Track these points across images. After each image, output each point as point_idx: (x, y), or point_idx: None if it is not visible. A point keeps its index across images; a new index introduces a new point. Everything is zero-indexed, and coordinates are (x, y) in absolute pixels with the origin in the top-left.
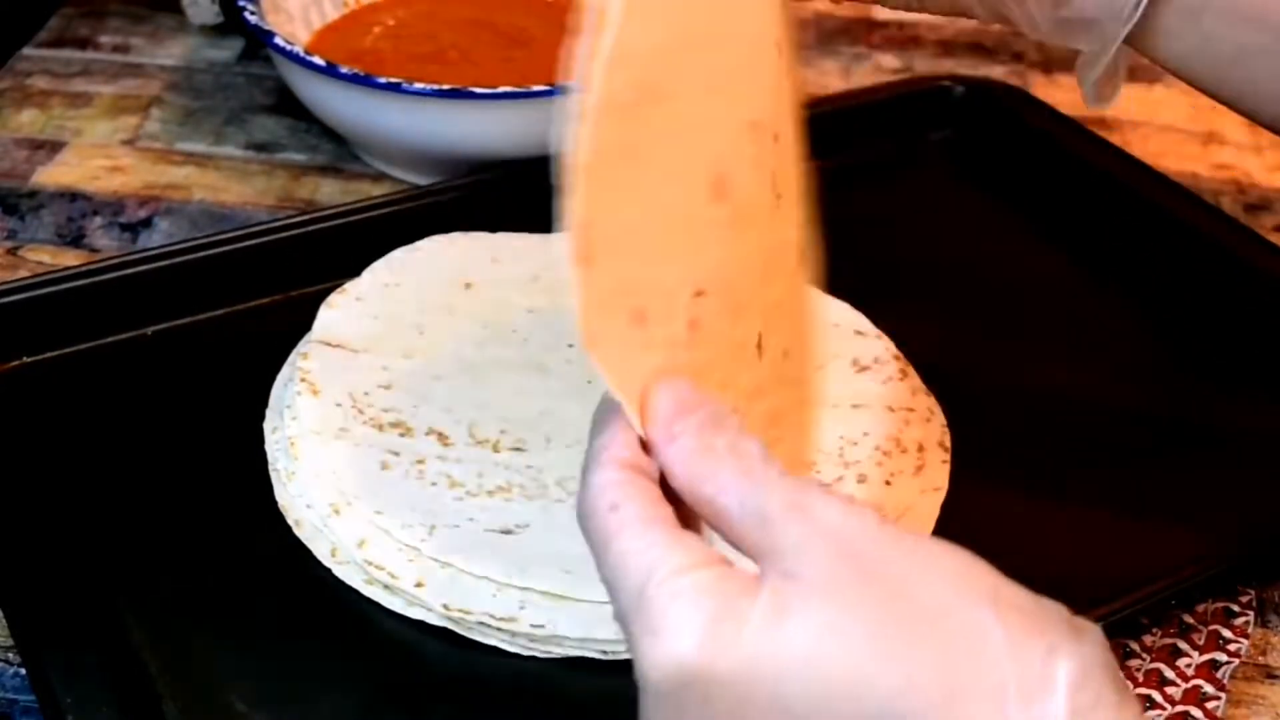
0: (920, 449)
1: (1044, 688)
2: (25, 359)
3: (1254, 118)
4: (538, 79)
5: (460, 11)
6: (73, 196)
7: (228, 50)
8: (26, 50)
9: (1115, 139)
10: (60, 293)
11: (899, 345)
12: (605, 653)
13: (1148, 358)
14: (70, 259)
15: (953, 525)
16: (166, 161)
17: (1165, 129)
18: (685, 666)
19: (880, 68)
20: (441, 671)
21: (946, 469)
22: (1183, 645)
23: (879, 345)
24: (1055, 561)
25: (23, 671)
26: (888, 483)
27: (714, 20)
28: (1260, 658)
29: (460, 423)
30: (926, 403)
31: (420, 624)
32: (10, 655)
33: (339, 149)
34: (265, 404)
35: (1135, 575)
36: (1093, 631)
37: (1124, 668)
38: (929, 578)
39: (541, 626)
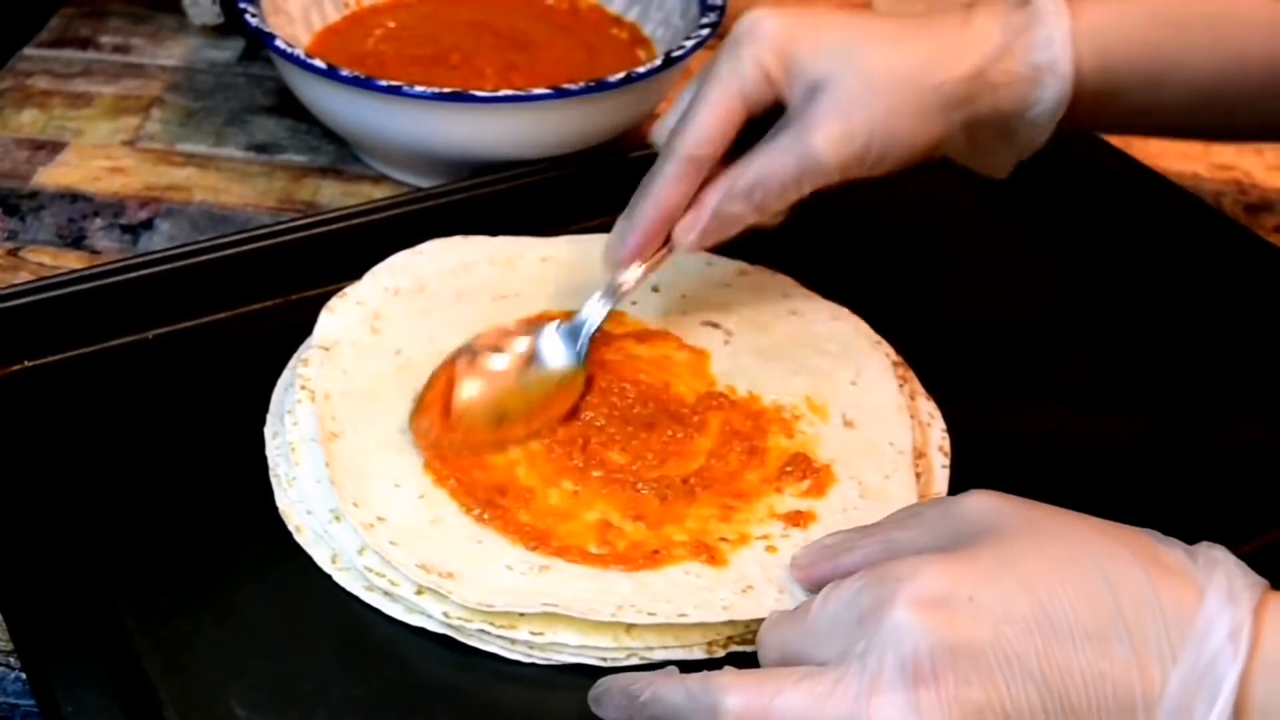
0: (920, 455)
1: None
2: (27, 363)
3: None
4: (538, 82)
5: (461, 14)
6: (73, 197)
7: (228, 51)
8: (27, 50)
9: (1115, 139)
10: (62, 297)
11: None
12: (603, 659)
13: (1148, 358)
14: (71, 260)
15: None
16: (167, 162)
17: None
18: None
19: None
20: (441, 678)
21: (946, 474)
22: None
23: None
24: None
25: (24, 676)
26: None
27: None
28: None
29: None
30: (926, 407)
31: (420, 630)
32: (11, 660)
33: (340, 150)
34: (266, 408)
35: None
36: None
37: None
38: None
39: (540, 634)
